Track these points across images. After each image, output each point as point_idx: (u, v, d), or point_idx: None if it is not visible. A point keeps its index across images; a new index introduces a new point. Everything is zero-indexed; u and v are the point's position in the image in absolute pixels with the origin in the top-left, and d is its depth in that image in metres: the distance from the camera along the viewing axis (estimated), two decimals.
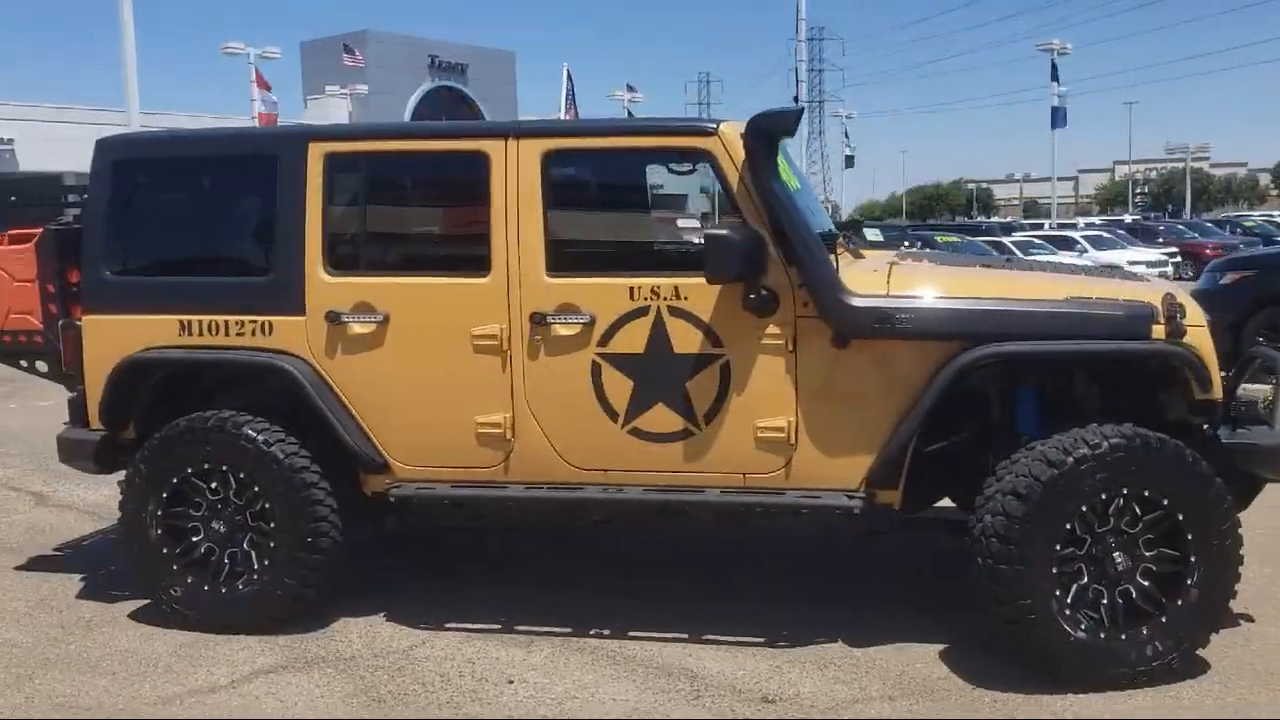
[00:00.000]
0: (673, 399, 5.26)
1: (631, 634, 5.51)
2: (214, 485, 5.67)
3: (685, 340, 5.21)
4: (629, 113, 53.96)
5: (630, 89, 54.96)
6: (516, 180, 5.34)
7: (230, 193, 5.94)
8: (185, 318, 5.70)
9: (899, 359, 5.04)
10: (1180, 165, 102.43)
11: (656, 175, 6.06)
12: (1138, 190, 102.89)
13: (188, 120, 40.70)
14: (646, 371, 5.26)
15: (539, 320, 5.31)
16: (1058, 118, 43.81)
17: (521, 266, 5.34)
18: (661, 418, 5.27)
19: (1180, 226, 42.67)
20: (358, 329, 5.51)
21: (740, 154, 5.14)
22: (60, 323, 5.94)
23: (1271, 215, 54.47)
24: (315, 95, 52.34)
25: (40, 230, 6.09)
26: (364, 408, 5.55)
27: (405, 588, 6.28)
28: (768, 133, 5.00)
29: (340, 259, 5.60)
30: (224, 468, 5.61)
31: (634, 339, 5.25)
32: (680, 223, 6.77)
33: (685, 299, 5.20)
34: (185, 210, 6.03)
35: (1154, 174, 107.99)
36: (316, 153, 5.55)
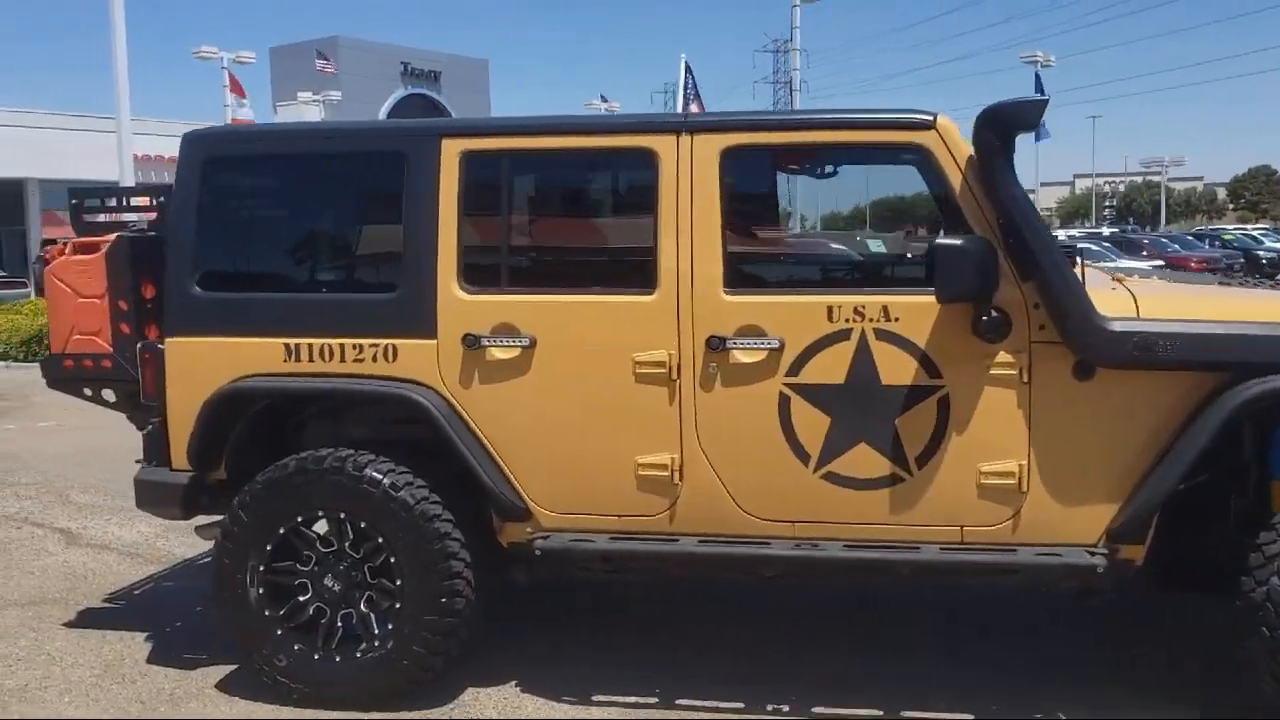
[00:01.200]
0: (878, 439, 4.52)
1: (817, 710, 4.74)
2: (328, 536, 4.84)
3: (895, 369, 4.48)
4: None
5: (604, 99, 54.18)
6: (690, 181, 4.59)
7: (347, 196, 5.14)
8: (292, 340, 4.90)
9: (1153, 392, 4.33)
10: (1140, 180, 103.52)
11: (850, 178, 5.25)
12: (1105, 204, 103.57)
13: (158, 126, 39.50)
14: (846, 406, 4.51)
15: (715, 345, 4.55)
16: (1041, 131, 43.44)
17: (695, 282, 4.58)
18: (864, 460, 4.53)
19: (1164, 239, 42.55)
20: (499, 354, 4.73)
21: (962, 150, 4.42)
22: (139, 345, 5.10)
23: (1245, 228, 54.68)
24: (285, 101, 51.13)
25: (110, 239, 5.25)
26: (504, 446, 4.77)
27: (536, 647, 5.47)
28: (1007, 126, 4.29)
29: (479, 273, 4.82)
30: (341, 515, 4.81)
31: (832, 367, 4.51)
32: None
33: (896, 320, 4.46)
34: (292, 216, 5.22)
35: (1121, 187, 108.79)
36: (451, 150, 4.77)
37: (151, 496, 5.14)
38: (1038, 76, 43.08)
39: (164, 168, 34.79)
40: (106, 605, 6.32)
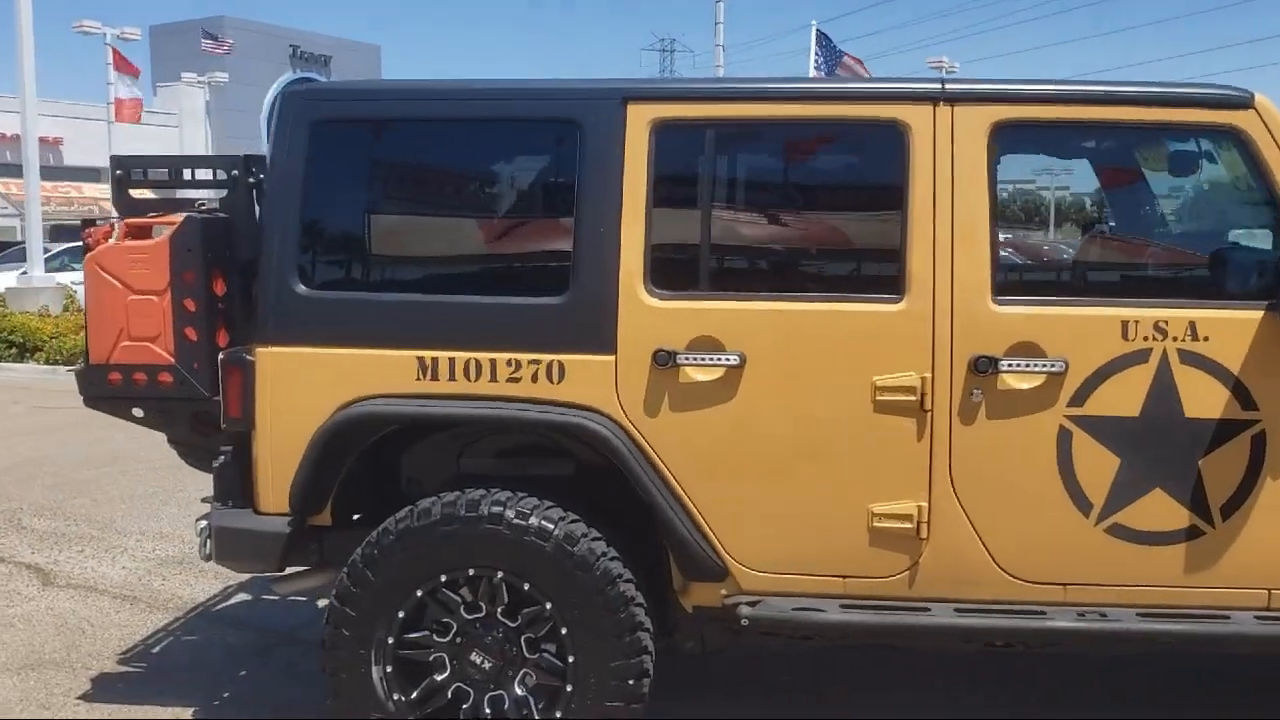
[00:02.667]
0: (1177, 483, 3.71)
1: None
2: (476, 600, 3.84)
3: (1201, 399, 3.67)
4: None
5: None
6: (950, 163, 3.70)
7: (502, 173, 4.12)
8: (428, 353, 3.88)
9: None
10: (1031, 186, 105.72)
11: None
12: None
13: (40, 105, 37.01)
14: (1140, 443, 3.69)
15: (982, 367, 3.68)
16: None
17: (955, 288, 3.70)
18: (1158, 510, 3.72)
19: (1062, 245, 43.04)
20: (697, 375, 3.78)
21: None
22: (221, 357, 4.01)
23: None
24: (167, 82, 48.77)
25: (173, 219, 4.15)
26: (698, 489, 3.83)
27: None
28: None
29: (672, 274, 3.86)
30: (498, 575, 3.79)
31: (1125, 396, 3.68)
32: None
33: (1205, 340, 3.65)
34: (429, 197, 4.18)
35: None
36: (639, 119, 3.80)
37: (239, 548, 4.05)
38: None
39: (46, 149, 32.57)
40: (124, 669, 5.17)
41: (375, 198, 4.15)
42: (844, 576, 3.86)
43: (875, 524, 3.78)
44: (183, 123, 48.39)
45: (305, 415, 3.94)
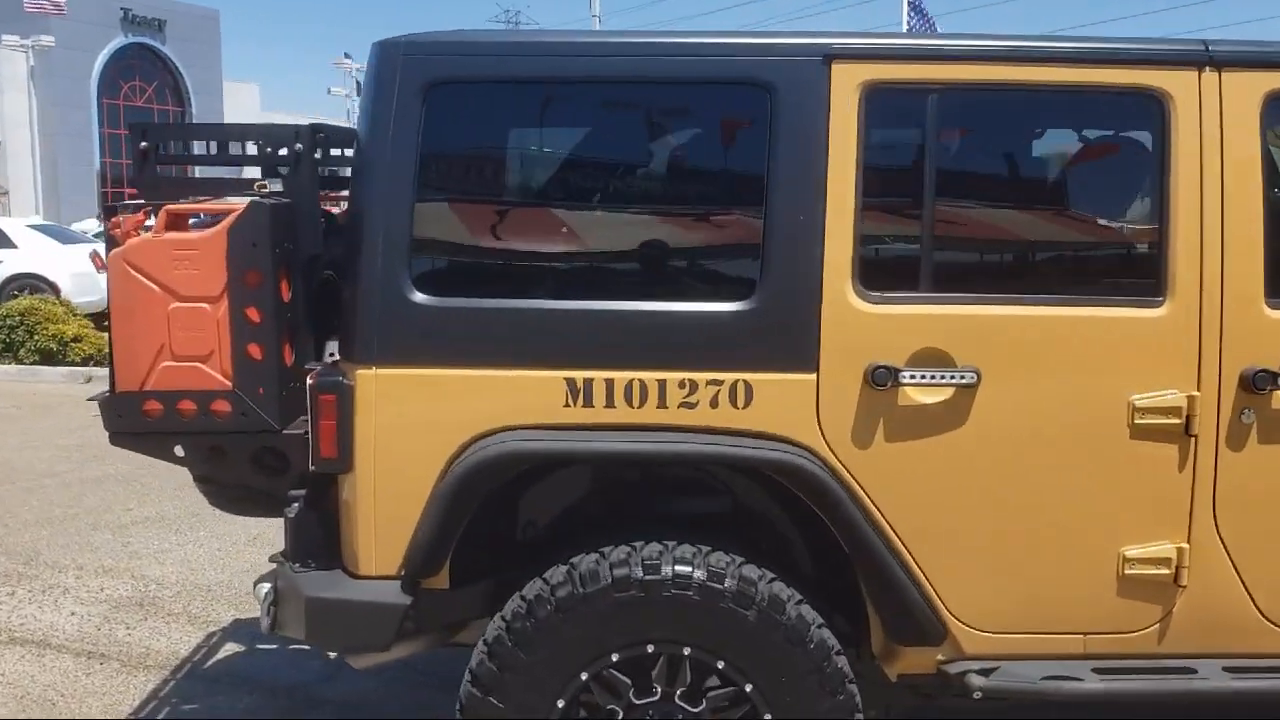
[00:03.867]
0: None
1: None
2: (650, 682, 3.08)
3: None
4: (357, 83, 50.00)
5: (347, 56, 51.01)
6: (1218, 139, 3.08)
7: (670, 149, 3.33)
8: (578, 374, 3.09)
9: None
10: None
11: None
12: None
13: None
14: None
15: (1260, 383, 3.07)
16: None
17: (1225, 290, 3.08)
18: None
19: None
20: (921, 397, 3.10)
21: None
22: (311, 379, 3.15)
23: None
24: None
25: (232, 206, 3.26)
26: (915, 534, 3.16)
27: None
28: None
29: (888, 272, 3.18)
30: (685, 650, 3.04)
31: None
32: None
33: None
34: (576, 179, 3.35)
35: None
36: (847, 82, 3.09)
37: (339, 623, 3.21)
38: None
39: None
40: None
41: (510, 181, 3.34)
42: (1084, 633, 3.23)
43: (1127, 571, 3.17)
44: (2, 89, 45.14)
45: (424, 453, 3.12)
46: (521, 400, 3.12)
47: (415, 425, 3.14)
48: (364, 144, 3.20)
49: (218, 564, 6.31)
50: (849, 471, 3.11)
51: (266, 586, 3.41)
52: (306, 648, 5.05)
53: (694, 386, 3.11)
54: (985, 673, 3.17)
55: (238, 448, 3.37)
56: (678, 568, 3.01)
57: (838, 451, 3.11)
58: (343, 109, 54.19)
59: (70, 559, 6.43)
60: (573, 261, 3.29)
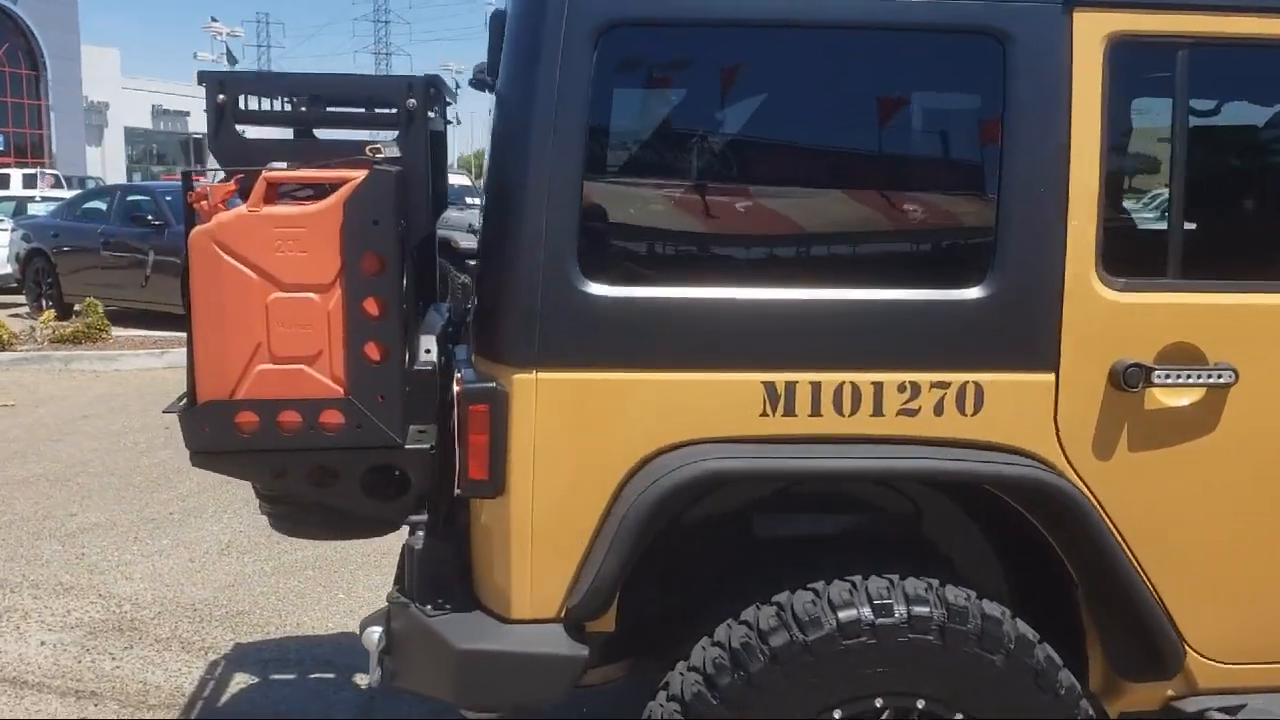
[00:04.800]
0: None
1: None
2: None
3: None
4: (228, 49, 48.13)
5: (214, 20, 49.00)
6: None
7: (878, 109, 2.80)
8: (778, 376, 2.60)
9: None
10: None
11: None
12: None
13: None
14: None
15: None
16: None
17: None
18: None
19: None
20: (1171, 399, 2.71)
21: None
22: (463, 388, 2.60)
23: None
24: None
25: (347, 175, 2.68)
26: (1155, 555, 2.74)
27: None
28: None
29: (1134, 254, 2.76)
30: (919, 704, 2.58)
31: None
32: None
33: None
34: (771, 145, 2.80)
35: None
36: (1091, 32, 2.63)
37: (503, 681, 2.66)
38: None
39: None
40: None
41: (699, 148, 2.78)
42: None
43: None
44: None
45: (593, 472, 2.61)
46: (711, 408, 2.61)
47: (583, 438, 2.62)
48: (512, 103, 2.63)
49: (194, 578, 5.63)
50: (1086, 485, 2.69)
51: (377, 631, 2.84)
52: (330, 675, 4.48)
53: (916, 390, 2.64)
54: (1231, 710, 2.77)
55: (350, 467, 2.79)
56: (915, 608, 2.53)
57: (1075, 462, 2.68)
58: None
59: (20, 575, 5.68)
60: (772, 244, 2.78)
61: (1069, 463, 2.68)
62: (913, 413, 2.64)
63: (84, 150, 46.21)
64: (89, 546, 6.08)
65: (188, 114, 54.93)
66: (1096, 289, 2.65)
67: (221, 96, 2.78)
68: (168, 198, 15.31)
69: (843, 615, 2.53)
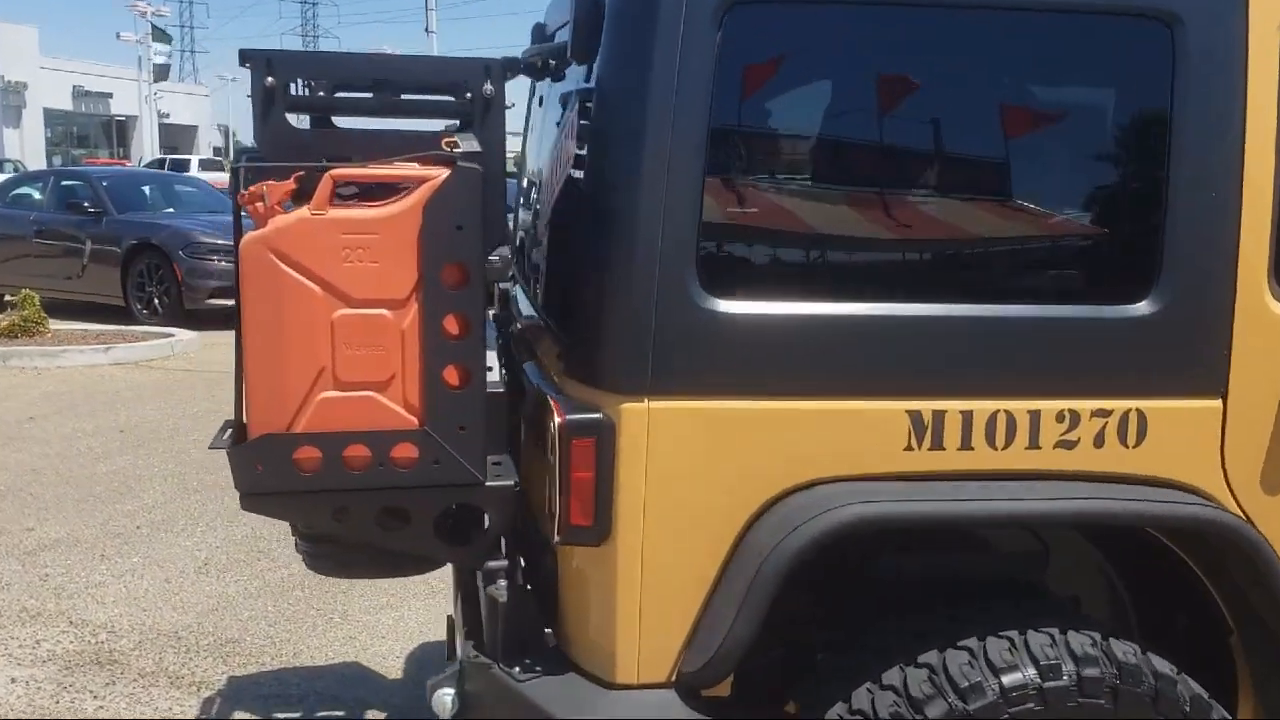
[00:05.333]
0: None
1: None
2: None
3: None
4: (152, 26, 46.72)
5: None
6: None
7: (1028, 99, 2.47)
8: (925, 404, 2.29)
9: None
10: None
11: None
12: None
13: None
14: None
15: None
16: None
17: None
18: None
19: None
20: None
21: None
22: (565, 419, 2.24)
23: None
24: None
25: (424, 174, 2.31)
26: None
27: None
28: None
29: None
30: None
31: None
32: None
33: None
34: (920, 139, 2.45)
35: None
36: (1269, 16, 2.34)
37: None
38: None
39: None
40: None
41: (831, 145, 2.44)
42: None
43: None
44: None
45: (714, 515, 2.29)
46: (849, 442, 2.30)
47: (702, 477, 2.28)
48: (617, 94, 2.28)
49: (173, 601, 5.20)
50: (1252, 523, 2.40)
51: (449, 695, 2.50)
52: (339, 713, 4.11)
53: (1075, 419, 2.34)
54: None
55: (424, 508, 2.42)
56: (1085, 670, 2.23)
57: (1240, 497, 2.41)
58: (133, 56, 50.75)
59: None
60: (918, 254, 2.45)
61: (1234, 497, 2.40)
62: (1071, 445, 2.35)
63: (1, 132, 44.70)
64: (52, 566, 5.62)
65: (110, 95, 53.42)
66: (1269, 304, 2.37)
67: (270, 79, 2.39)
68: (105, 183, 14.69)
69: (1007, 680, 2.23)
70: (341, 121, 2.68)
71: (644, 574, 2.30)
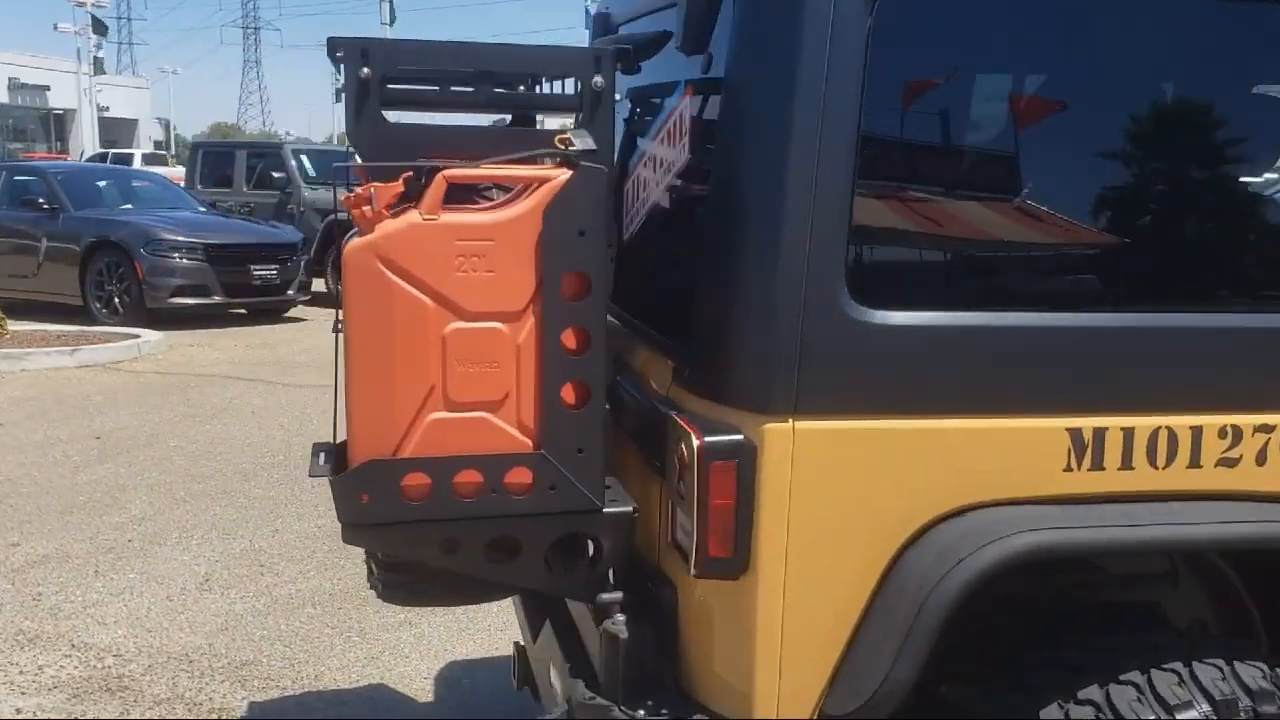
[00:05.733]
0: None
1: None
2: None
3: None
4: (92, 18, 45.70)
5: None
6: None
7: (1229, 87, 2.30)
8: (1085, 422, 2.13)
9: None
10: None
11: None
12: None
13: None
14: None
15: None
16: None
17: None
18: None
19: None
20: None
21: None
22: (704, 441, 2.05)
23: None
24: None
25: (546, 173, 2.12)
26: None
27: None
28: None
29: None
30: None
31: None
32: None
33: None
34: (1093, 127, 2.27)
35: None
36: None
37: None
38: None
39: None
40: None
41: (997, 142, 2.26)
42: None
43: None
44: None
45: (864, 544, 2.12)
46: (1006, 462, 2.13)
47: (850, 502, 2.11)
48: (753, 90, 2.10)
49: (179, 620, 4.95)
50: None
51: None
52: None
53: (1238, 435, 2.19)
54: None
55: (536, 537, 2.23)
56: (1262, 707, 2.09)
57: None
58: (71, 48, 49.62)
59: None
60: (1084, 257, 2.29)
61: None
62: (1233, 463, 2.20)
63: None
64: (44, 584, 5.34)
65: (48, 88, 52.27)
66: None
67: (365, 70, 2.18)
68: (60, 178, 14.26)
69: (1181, 718, 2.06)
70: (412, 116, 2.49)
71: (785, 607, 2.12)
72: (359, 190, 2.08)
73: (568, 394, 2.17)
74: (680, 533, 2.18)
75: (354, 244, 2.07)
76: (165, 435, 8.05)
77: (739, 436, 2.06)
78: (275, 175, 16.40)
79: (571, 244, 2.11)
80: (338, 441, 2.24)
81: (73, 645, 4.68)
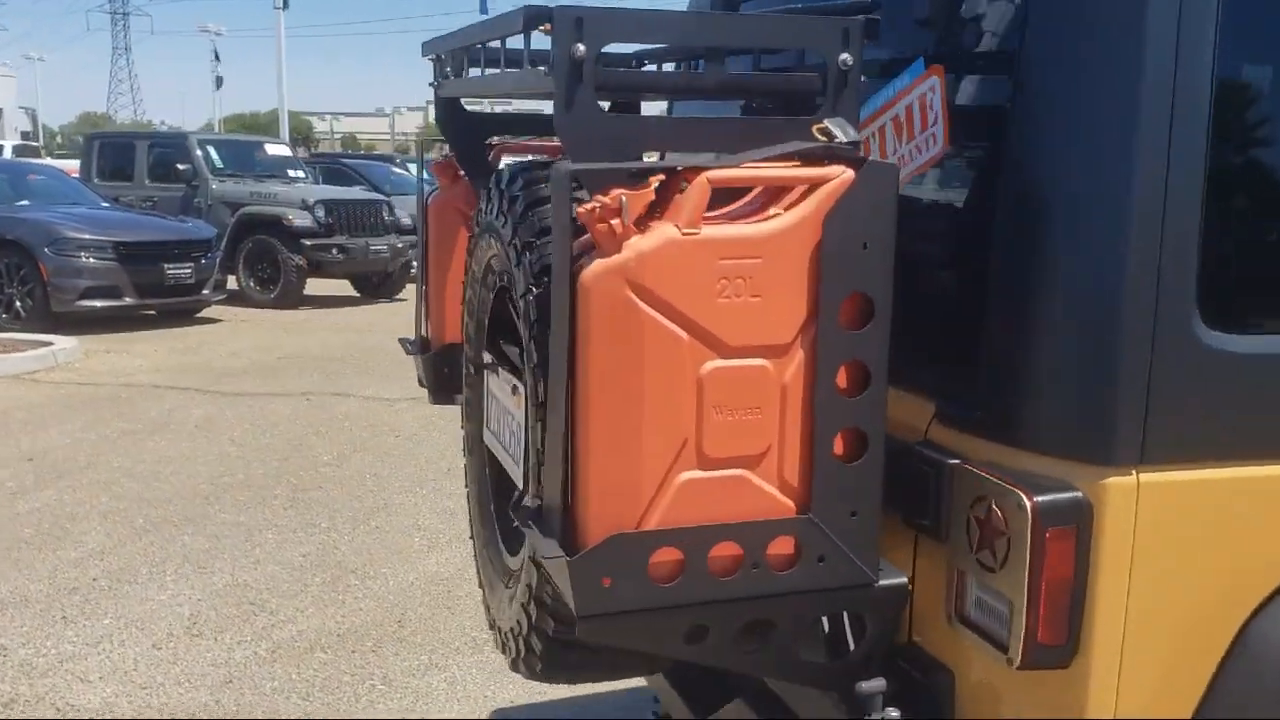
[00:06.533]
0: None
1: None
2: None
3: None
4: None
5: None
6: None
7: None
8: None
9: None
10: None
11: None
12: None
13: None
14: None
15: None
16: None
17: None
18: None
19: None
20: None
21: None
22: (1036, 502, 1.65)
23: None
24: None
25: (822, 176, 1.70)
26: None
27: None
28: None
29: None
30: None
31: None
32: None
33: None
34: None
35: None
36: None
37: None
38: None
39: None
40: None
41: None
42: None
43: None
44: None
45: (1214, 613, 1.78)
46: None
47: (1196, 566, 1.74)
48: (1070, 60, 1.71)
49: (172, 673, 4.39)
50: None
51: None
52: None
53: None
54: None
55: (795, 618, 1.81)
56: None
57: None
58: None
59: None
60: None
61: None
62: None
63: None
64: (6, 634, 4.73)
65: None
66: None
67: (581, 47, 1.72)
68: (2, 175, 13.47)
69: None
70: None
71: (1119, 701, 1.73)
72: (601, 199, 1.63)
73: (839, 444, 1.75)
74: (978, 612, 1.78)
75: (598, 268, 1.62)
76: (106, 455, 7.38)
77: (1078, 494, 1.67)
78: (180, 167, 15.53)
79: (854, 259, 1.70)
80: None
81: (56, 708, 4.11)
